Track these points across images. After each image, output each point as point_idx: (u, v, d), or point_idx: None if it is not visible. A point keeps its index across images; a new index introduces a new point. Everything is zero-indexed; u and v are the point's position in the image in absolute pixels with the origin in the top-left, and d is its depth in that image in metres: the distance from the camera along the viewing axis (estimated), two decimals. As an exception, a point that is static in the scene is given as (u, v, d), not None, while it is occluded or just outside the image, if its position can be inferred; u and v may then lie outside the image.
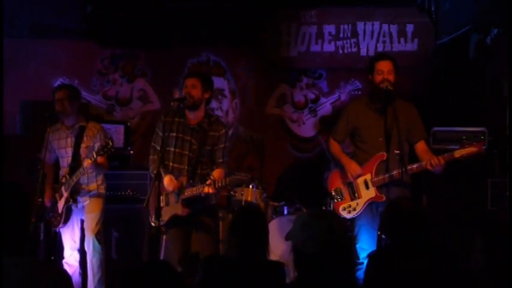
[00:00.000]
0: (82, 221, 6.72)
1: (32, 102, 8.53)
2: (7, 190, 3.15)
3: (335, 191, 6.26)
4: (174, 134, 6.08)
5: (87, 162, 6.31)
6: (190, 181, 5.97)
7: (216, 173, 5.97)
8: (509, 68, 6.85)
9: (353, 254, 3.20)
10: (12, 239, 3.08)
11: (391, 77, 6.03)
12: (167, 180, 5.98)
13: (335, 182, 6.31)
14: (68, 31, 8.93)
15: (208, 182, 5.75)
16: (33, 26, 8.93)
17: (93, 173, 6.63)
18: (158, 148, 6.08)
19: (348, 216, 6.08)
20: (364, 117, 6.20)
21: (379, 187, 6.04)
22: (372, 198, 6.06)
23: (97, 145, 6.45)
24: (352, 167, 6.15)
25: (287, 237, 3.25)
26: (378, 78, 6.04)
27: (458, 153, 5.84)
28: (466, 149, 5.82)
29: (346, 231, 3.21)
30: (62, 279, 3.10)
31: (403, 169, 5.79)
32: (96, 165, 6.46)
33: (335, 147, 6.39)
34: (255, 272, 4.21)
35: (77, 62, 9.06)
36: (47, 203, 6.65)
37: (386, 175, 5.95)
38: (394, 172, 5.90)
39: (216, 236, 6.41)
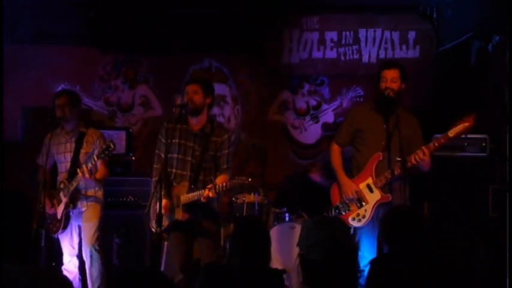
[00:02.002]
0: (80, 227, 6.70)
1: (34, 108, 8.54)
2: (9, 197, 3.15)
3: (340, 203, 6.23)
4: (177, 141, 6.08)
5: (81, 172, 6.30)
6: (192, 186, 5.97)
7: (220, 179, 5.97)
8: (510, 74, 6.85)
9: (356, 262, 3.20)
10: (14, 246, 3.08)
11: (394, 85, 6.03)
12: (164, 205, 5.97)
13: (337, 196, 6.29)
14: (70, 37, 8.94)
15: (209, 186, 5.75)
16: (35, 32, 8.94)
17: (90, 180, 6.60)
18: (163, 156, 6.09)
19: (359, 224, 6.05)
20: (368, 121, 6.20)
21: (383, 187, 6.04)
22: (379, 200, 6.05)
23: (96, 151, 6.43)
24: (347, 189, 6.16)
25: (297, 244, 3.26)
26: (382, 85, 6.06)
27: (452, 132, 5.85)
28: (459, 126, 5.84)
29: (350, 238, 3.21)
30: (64, 286, 3.10)
31: (403, 159, 5.77)
32: (94, 178, 6.47)
33: (336, 156, 6.36)
34: (255, 282, 4.21)
35: (78, 68, 9.08)
36: (48, 210, 6.64)
37: (388, 172, 5.93)
38: (396, 168, 5.88)
39: (217, 241, 6.40)
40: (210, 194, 5.74)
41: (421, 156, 5.87)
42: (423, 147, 5.89)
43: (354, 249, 3.19)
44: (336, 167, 6.31)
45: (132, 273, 2.69)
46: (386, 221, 4.34)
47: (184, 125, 6.12)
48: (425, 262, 4.03)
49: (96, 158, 6.25)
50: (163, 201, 5.92)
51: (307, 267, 3.14)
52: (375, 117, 6.16)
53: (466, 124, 5.84)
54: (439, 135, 5.97)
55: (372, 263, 4.27)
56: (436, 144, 5.91)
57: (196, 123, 6.11)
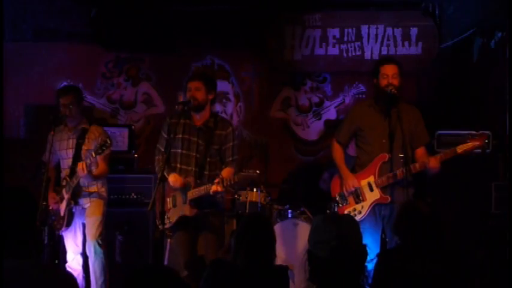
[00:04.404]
0: (84, 225, 6.70)
1: (36, 106, 8.57)
2: (15, 194, 3.16)
3: (339, 195, 6.25)
4: (180, 136, 6.08)
5: (79, 168, 6.29)
6: (198, 181, 5.97)
7: (225, 172, 5.97)
8: (509, 71, 6.85)
9: (364, 262, 3.17)
10: (20, 243, 3.09)
11: (395, 81, 6.02)
12: (172, 178, 5.99)
13: (338, 187, 6.30)
14: (72, 35, 8.94)
15: (216, 180, 5.74)
16: (38, 29, 8.95)
17: (90, 178, 6.60)
18: (162, 149, 6.11)
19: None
20: (368, 119, 6.20)
21: (384, 188, 6.04)
22: (377, 199, 6.06)
23: (94, 147, 6.43)
24: (348, 182, 6.16)
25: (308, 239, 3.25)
26: (383, 82, 6.04)
27: (460, 149, 5.86)
28: (468, 144, 5.85)
29: (359, 238, 3.18)
30: (68, 282, 3.11)
31: (407, 168, 5.79)
32: (93, 175, 6.45)
33: (337, 152, 6.37)
34: (260, 279, 4.21)
35: (81, 66, 9.08)
36: (52, 207, 6.64)
37: (390, 174, 5.94)
38: (398, 171, 5.89)
39: (222, 237, 6.40)
40: (219, 188, 5.74)
41: (431, 165, 5.87)
42: (431, 158, 5.89)
43: (363, 249, 3.16)
44: (338, 162, 6.32)
45: (145, 270, 2.70)
46: (403, 216, 4.34)
47: (187, 120, 6.12)
48: (436, 258, 4.04)
49: (94, 154, 6.25)
50: (172, 175, 5.95)
51: (314, 264, 3.12)
52: (375, 115, 6.16)
53: (476, 143, 5.87)
54: (447, 149, 5.98)
55: (380, 256, 4.27)
56: (443, 157, 5.90)
57: (199, 118, 6.12)
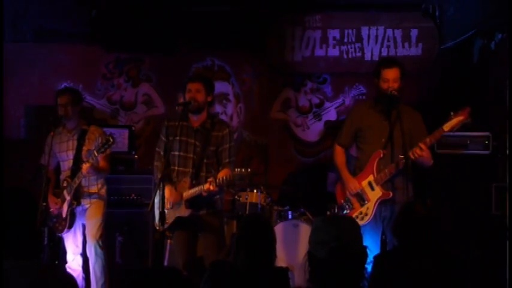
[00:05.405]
0: (84, 226, 6.70)
1: (37, 106, 8.56)
2: (15, 194, 3.17)
3: (345, 201, 6.24)
4: (178, 138, 6.09)
5: (85, 167, 6.31)
6: (194, 182, 5.98)
7: (222, 173, 5.96)
8: (509, 72, 6.85)
9: (364, 264, 3.16)
10: (20, 243, 3.09)
11: (396, 85, 6.04)
12: (167, 191, 5.98)
13: (342, 193, 6.31)
14: (72, 35, 8.93)
15: (210, 180, 5.75)
16: (38, 30, 8.94)
17: (93, 175, 6.62)
18: (162, 153, 6.11)
19: (362, 222, 6.02)
20: (368, 119, 6.22)
21: (384, 184, 6.04)
22: (380, 197, 6.06)
23: (96, 146, 6.44)
24: (350, 185, 6.17)
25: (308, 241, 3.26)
26: (384, 85, 6.05)
27: (447, 126, 5.85)
28: (453, 120, 5.83)
29: (359, 240, 3.18)
30: (68, 282, 3.11)
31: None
32: (96, 169, 6.47)
33: (338, 157, 6.38)
34: (261, 280, 4.21)
35: (81, 67, 9.07)
36: (53, 209, 6.64)
37: (390, 166, 5.95)
38: (396, 160, 5.90)
39: (222, 238, 6.40)
40: (211, 188, 5.75)
41: (419, 153, 5.86)
42: (420, 144, 5.88)
43: (363, 251, 3.16)
44: (339, 166, 6.32)
45: (152, 272, 2.70)
46: (401, 217, 4.35)
47: (185, 122, 6.13)
48: (433, 259, 4.04)
49: (96, 153, 6.26)
50: (168, 189, 5.95)
51: (314, 265, 3.12)
52: (374, 115, 6.17)
53: (460, 118, 5.85)
54: (434, 132, 5.97)
55: (377, 258, 4.27)
56: (433, 140, 5.91)
57: (196, 120, 6.13)
